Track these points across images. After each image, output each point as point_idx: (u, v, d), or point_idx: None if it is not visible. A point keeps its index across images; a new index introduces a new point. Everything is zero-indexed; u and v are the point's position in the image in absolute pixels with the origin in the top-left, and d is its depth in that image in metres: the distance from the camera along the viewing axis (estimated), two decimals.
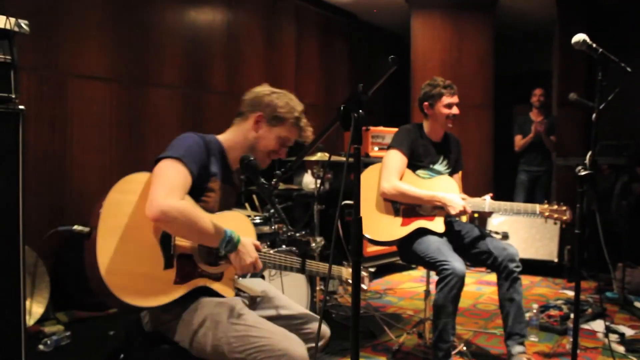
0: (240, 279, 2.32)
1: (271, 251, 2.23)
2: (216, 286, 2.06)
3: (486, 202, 3.21)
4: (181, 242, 1.97)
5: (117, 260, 1.80)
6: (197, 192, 2.01)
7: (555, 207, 3.12)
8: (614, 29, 6.45)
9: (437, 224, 3.29)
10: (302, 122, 2.25)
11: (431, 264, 3.13)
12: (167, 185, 1.86)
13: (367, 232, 3.29)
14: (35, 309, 3.78)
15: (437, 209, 3.28)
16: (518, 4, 7.07)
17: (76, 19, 4.38)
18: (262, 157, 2.22)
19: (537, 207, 3.15)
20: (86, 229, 1.80)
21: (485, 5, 6.96)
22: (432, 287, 3.43)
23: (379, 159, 5.54)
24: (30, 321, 3.72)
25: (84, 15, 4.45)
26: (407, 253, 3.33)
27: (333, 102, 7.35)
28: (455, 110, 3.43)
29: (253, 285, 2.33)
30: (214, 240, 1.94)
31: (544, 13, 7.20)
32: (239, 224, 2.13)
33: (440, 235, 3.25)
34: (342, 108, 1.57)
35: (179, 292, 1.94)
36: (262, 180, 2.08)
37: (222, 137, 2.24)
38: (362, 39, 8.01)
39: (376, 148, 5.76)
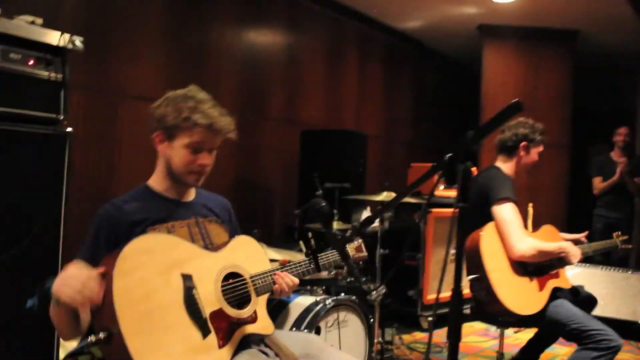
0: (287, 332, 2.16)
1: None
2: (256, 328, 1.94)
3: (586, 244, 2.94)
4: (207, 297, 1.82)
5: (160, 357, 1.63)
6: None
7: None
8: None
9: (565, 280, 3.00)
10: (197, 117, 1.95)
11: (579, 333, 2.73)
12: None
13: (514, 307, 2.81)
14: (71, 342, 3.64)
15: (558, 262, 2.98)
16: (602, 35, 6.73)
17: (131, 37, 4.33)
18: (186, 176, 2.01)
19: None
20: (102, 335, 1.59)
21: (565, 37, 6.66)
22: (507, 349, 3.12)
23: (444, 200, 5.36)
24: (63, 354, 3.58)
25: (139, 34, 4.39)
26: (538, 320, 2.91)
27: (395, 135, 7.16)
28: None
29: (295, 343, 2.14)
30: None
31: (630, 46, 6.82)
32: (248, 252, 2.03)
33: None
34: (448, 157, 1.34)
35: (228, 353, 1.80)
36: (335, 229, 1.87)
37: (150, 180, 2.13)
38: (428, 67, 7.83)
39: (441, 187, 5.48)
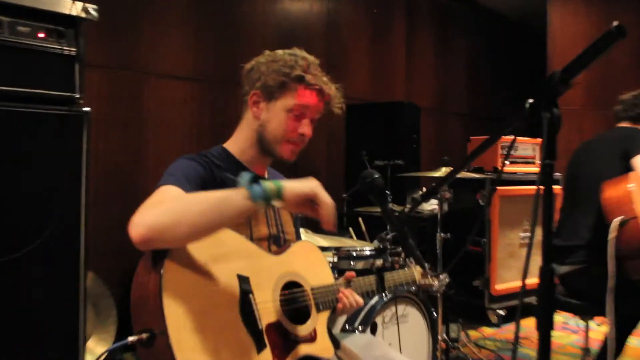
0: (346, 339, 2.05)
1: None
2: (314, 349, 1.77)
3: None
4: (264, 306, 1.66)
5: None
6: None
7: None
8: None
9: None
10: (309, 77, 1.85)
11: None
12: (145, 205, 1.54)
13: None
14: (98, 347, 3.63)
15: None
16: None
17: (155, 11, 4.28)
18: (281, 146, 1.88)
19: None
20: (145, 336, 1.43)
21: None
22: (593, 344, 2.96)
23: (512, 176, 5.15)
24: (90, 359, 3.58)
25: (164, 7, 4.34)
26: None
27: (450, 106, 6.98)
28: None
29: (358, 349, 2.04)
30: (234, 198, 1.53)
31: None
32: (310, 260, 1.88)
33: None
34: (529, 104, 1.18)
35: None
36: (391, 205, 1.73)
37: (229, 144, 1.97)
38: (484, 30, 7.59)
39: (507, 162, 5.27)
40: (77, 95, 2.50)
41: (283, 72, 1.85)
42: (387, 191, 3.90)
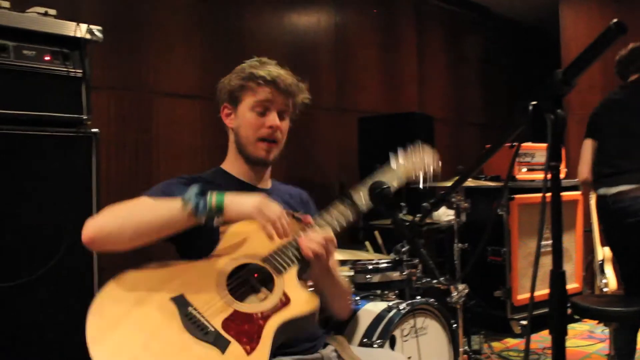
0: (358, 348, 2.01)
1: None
2: (292, 311, 1.70)
3: None
4: (211, 308, 1.64)
5: None
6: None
7: None
8: None
9: None
10: (260, 72, 1.97)
11: None
12: (103, 209, 1.72)
13: None
14: None
15: None
16: None
17: (160, 28, 4.32)
18: (254, 145, 1.97)
19: None
20: None
21: None
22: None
23: (530, 184, 5.13)
24: None
25: (169, 24, 4.38)
26: None
27: (465, 116, 6.97)
28: None
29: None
30: (176, 211, 1.65)
31: None
32: (254, 235, 1.79)
33: None
34: (531, 106, 1.19)
35: (263, 354, 1.59)
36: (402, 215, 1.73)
37: (224, 163, 2.13)
38: (498, 37, 7.59)
39: (524, 169, 5.26)
40: (85, 117, 2.55)
41: (240, 76, 1.99)
42: (402, 203, 3.91)
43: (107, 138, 3.76)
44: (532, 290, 1.26)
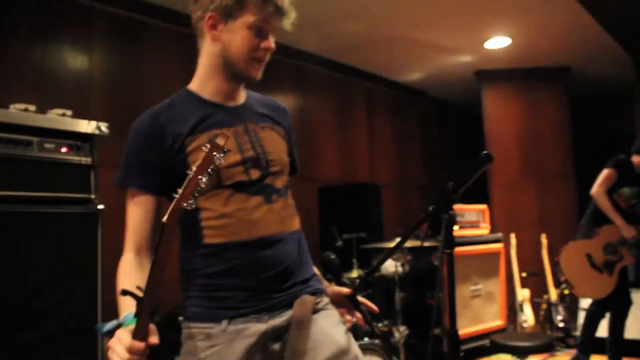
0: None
1: None
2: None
3: None
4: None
5: None
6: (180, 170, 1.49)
7: None
8: None
9: None
10: None
11: None
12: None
13: None
14: None
15: None
16: (592, 67, 6.77)
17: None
18: (247, 64, 1.64)
19: None
20: None
21: (557, 73, 6.72)
22: None
23: (462, 239, 5.33)
24: None
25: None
26: None
27: (409, 182, 7.16)
28: None
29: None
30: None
31: (619, 74, 6.85)
32: None
33: None
34: (431, 209, 1.41)
35: None
36: (345, 278, 1.91)
37: (191, 83, 1.74)
38: (433, 115, 7.87)
39: (456, 227, 5.49)
40: (93, 196, 2.71)
41: None
42: (353, 260, 4.07)
43: (115, 212, 3.87)
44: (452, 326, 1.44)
